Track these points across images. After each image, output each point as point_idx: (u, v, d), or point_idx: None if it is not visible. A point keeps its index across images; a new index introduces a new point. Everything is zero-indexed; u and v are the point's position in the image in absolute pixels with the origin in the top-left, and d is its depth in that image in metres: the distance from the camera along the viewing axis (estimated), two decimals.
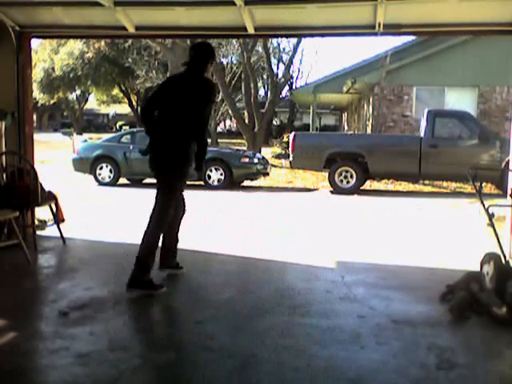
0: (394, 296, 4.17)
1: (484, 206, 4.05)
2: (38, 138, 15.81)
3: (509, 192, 5.27)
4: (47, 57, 30.29)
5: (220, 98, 23.41)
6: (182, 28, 5.95)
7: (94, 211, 8.59)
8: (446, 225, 7.70)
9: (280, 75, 24.87)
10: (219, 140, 25.30)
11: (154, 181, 4.34)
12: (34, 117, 35.69)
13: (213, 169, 12.27)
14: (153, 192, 4.21)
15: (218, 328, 3.50)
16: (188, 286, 4.47)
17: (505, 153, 9.93)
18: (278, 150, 20.78)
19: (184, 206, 4.60)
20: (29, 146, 6.10)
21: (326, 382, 2.80)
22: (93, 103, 44.45)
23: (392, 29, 5.53)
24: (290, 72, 24.94)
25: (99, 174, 12.81)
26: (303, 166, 12.96)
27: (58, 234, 5.74)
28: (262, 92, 34.30)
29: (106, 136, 15.54)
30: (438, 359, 3.02)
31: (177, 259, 4.68)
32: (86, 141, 15.45)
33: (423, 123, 11.79)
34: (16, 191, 5.41)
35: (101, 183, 12.70)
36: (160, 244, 4.34)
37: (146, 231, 4.11)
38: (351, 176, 11.77)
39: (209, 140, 26.58)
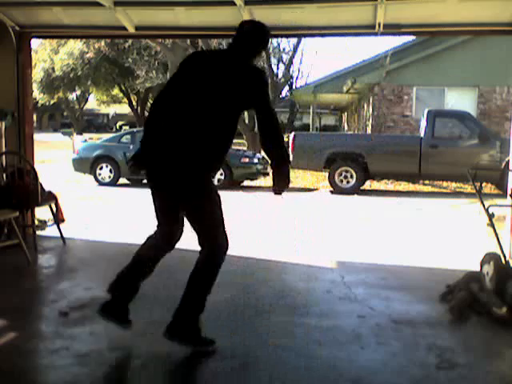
0: (393, 296, 4.17)
1: (484, 206, 4.05)
2: (38, 137, 15.80)
3: (509, 192, 5.28)
4: (47, 57, 30.22)
5: None
6: (182, 28, 5.96)
7: (94, 211, 8.59)
8: (446, 225, 7.69)
9: (280, 75, 24.82)
10: None
11: None
12: (34, 117, 35.65)
13: None
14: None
15: (218, 328, 3.49)
16: None
17: (505, 153, 9.95)
18: None
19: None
20: (29, 146, 6.11)
21: (326, 381, 2.80)
22: (93, 103, 44.39)
23: (392, 29, 5.54)
24: (290, 72, 24.87)
25: (99, 174, 12.81)
26: (303, 166, 12.94)
27: (58, 234, 5.73)
28: None
29: (105, 136, 15.53)
30: (438, 359, 3.02)
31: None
32: (85, 141, 15.44)
33: (423, 123, 11.79)
34: (16, 191, 5.41)
35: (101, 183, 12.70)
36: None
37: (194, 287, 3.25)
38: (351, 176, 11.77)
39: None
